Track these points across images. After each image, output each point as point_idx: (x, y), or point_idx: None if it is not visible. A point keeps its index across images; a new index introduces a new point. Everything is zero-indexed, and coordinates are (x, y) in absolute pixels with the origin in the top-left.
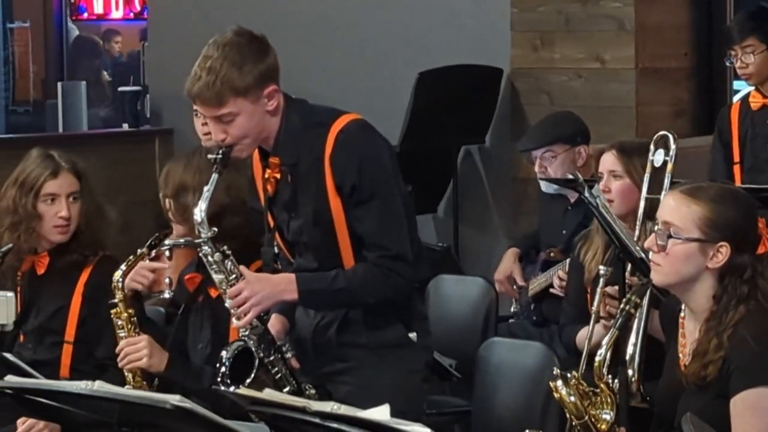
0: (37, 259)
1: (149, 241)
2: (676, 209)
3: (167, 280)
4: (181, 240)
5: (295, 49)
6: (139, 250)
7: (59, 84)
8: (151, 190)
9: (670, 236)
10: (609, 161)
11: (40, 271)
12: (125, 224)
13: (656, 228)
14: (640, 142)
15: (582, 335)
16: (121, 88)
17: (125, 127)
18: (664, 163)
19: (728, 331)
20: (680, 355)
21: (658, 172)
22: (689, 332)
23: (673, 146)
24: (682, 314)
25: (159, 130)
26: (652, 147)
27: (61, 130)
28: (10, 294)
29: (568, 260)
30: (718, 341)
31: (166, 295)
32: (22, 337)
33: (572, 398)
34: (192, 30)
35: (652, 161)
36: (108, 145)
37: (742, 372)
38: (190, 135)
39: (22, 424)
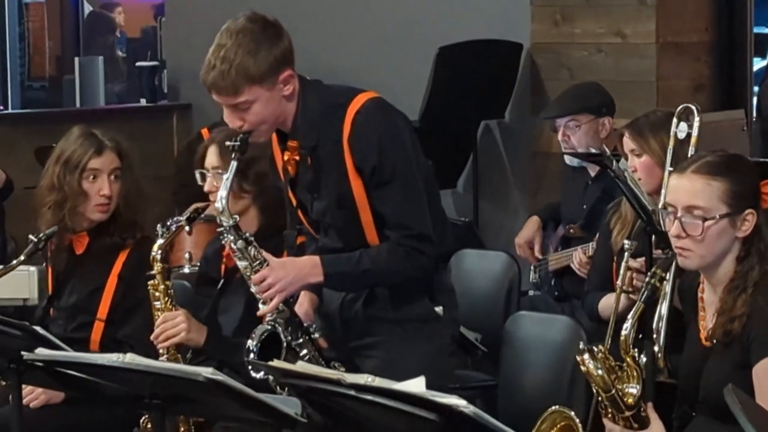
0: (76, 238)
1: (188, 214)
2: (699, 191)
3: (187, 255)
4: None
5: (314, 25)
6: (177, 219)
7: (76, 59)
8: (170, 165)
9: (705, 219)
10: (627, 142)
11: (79, 250)
12: None
13: (678, 215)
14: (654, 118)
15: (605, 302)
16: (138, 63)
17: (143, 102)
18: (688, 135)
19: (750, 289)
20: (701, 329)
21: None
22: (709, 304)
23: (696, 118)
24: (701, 287)
25: (177, 105)
26: (675, 120)
27: (78, 105)
28: (33, 268)
29: (590, 244)
30: (745, 296)
31: (186, 270)
32: (52, 312)
33: (600, 372)
34: (209, 4)
35: (676, 134)
36: (126, 121)
37: (762, 340)
38: (209, 110)
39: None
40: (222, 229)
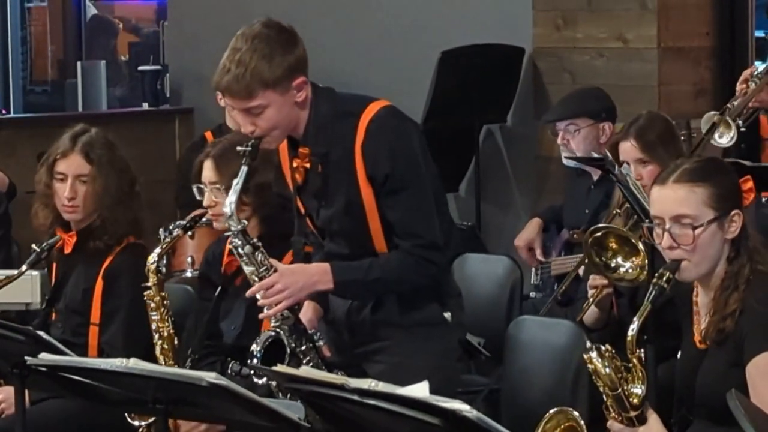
0: (66, 237)
1: (185, 222)
2: (684, 199)
3: (189, 259)
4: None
5: (317, 29)
6: (174, 232)
7: (79, 63)
8: (172, 170)
9: (695, 227)
10: (631, 152)
11: (67, 250)
12: (146, 203)
13: (667, 227)
14: (660, 128)
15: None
16: (141, 67)
17: (145, 106)
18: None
19: (742, 287)
20: (695, 332)
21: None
22: (703, 306)
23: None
24: (695, 291)
25: (179, 110)
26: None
27: (80, 109)
28: (35, 273)
29: None
30: (737, 294)
31: (188, 274)
32: (54, 316)
33: (607, 370)
34: (212, 8)
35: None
36: (128, 125)
37: (753, 337)
38: (211, 114)
39: None
40: (230, 233)
